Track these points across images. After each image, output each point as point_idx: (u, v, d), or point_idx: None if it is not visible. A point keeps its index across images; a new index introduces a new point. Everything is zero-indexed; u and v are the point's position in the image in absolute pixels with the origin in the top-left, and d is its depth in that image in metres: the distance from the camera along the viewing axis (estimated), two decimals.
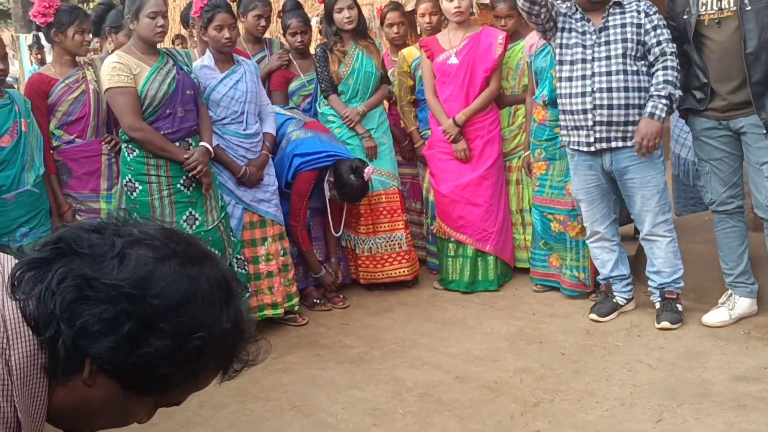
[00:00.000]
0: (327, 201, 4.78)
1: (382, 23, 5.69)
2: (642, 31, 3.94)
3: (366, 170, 4.62)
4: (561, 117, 4.18)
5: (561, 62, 4.09)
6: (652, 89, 3.91)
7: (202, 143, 4.03)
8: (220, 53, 4.34)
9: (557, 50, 4.11)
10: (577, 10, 4.08)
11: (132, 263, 1.11)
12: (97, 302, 1.08)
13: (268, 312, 4.46)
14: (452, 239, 5.02)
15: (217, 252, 3.99)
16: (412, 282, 5.19)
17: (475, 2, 7.40)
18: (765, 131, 3.75)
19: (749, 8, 3.65)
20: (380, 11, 5.83)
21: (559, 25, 4.08)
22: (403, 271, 5.09)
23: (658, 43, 3.92)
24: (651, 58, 3.93)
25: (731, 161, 3.96)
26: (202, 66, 4.32)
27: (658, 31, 3.93)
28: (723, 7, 3.74)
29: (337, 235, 4.97)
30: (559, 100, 4.15)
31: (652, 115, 3.88)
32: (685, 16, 3.86)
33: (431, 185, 5.13)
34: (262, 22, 5.09)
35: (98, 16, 5.16)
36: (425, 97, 5.05)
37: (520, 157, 5.03)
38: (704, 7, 3.80)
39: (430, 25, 5.26)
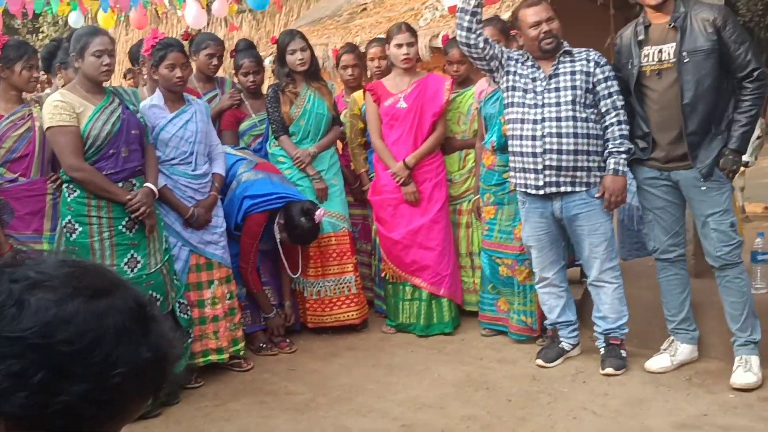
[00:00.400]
0: (278, 243, 4.73)
1: (337, 65, 5.72)
2: (591, 80, 4.01)
3: (317, 212, 4.60)
4: (511, 159, 4.21)
5: (511, 104, 4.14)
6: (611, 145, 3.98)
7: (146, 184, 3.95)
8: (171, 92, 4.30)
9: (506, 93, 4.16)
10: (528, 57, 4.13)
11: (33, 310, 1.05)
12: (2, 358, 1.03)
13: (213, 357, 4.37)
14: (408, 283, 5.00)
15: (159, 296, 3.92)
16: (360, 326, 5.14)
17: (428, 46, 7.53)
18: (702, 181, 3.81)
19: (687, 60, 3.73)
20: (336, 52, 5.86)
21: (509, 68, 4.13)
22: (352, 315, 5.05)
23: (609, 95, 3.99)
24: (602, 109, 4.00)
25: (673, 210, 4.01)
26: (152, 105, 4.27)
27: (609, 83, 4.00)
28: (663, 59, 3.83)
29: (295, 276, 4.91)
30: (510, 142, 4.19)
31: (616, 171, 3.98)
32: (629, 67, 3.94)
33: (379, 230, 5.11)
34: (214, 61, 5.08)
35: (48, 52, 5.11)
36: (371, 140, 5.07)
37: (470, 201, 5.04)
38: (646, 59, 3.89)
39: (380, 69, 5.31)
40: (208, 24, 11.60)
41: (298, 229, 4.59)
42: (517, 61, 4.15)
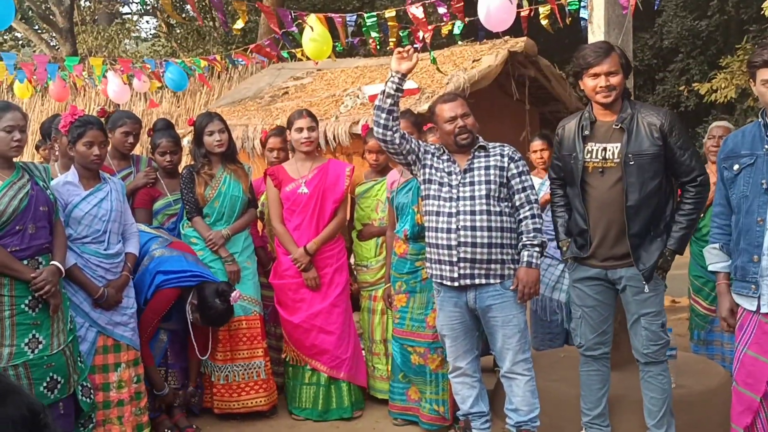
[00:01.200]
0: (189, 324, 4.60)
1: (263, 146, 5.72)
2: (505, 174, 4.05)
3: (233, 294, 4.51)
4: (427, 249, 4.22)
5: (427, 196, 4.16)
6: (524, 238, 4.01)
7: (53, 262, 3.83)
8: (87, 170, 4.24)
9: (423, 185, 4.20)
10: (444, 151, 4.19)
11: None
12: None
13: None
14: (308, 366, 4.94)
15: (60, 378, 3.76)
16: (269, 412, 5.02)
17: (347, 132, 7.62)
18: (644, 283, 3.84)
19: (632, 163, 3.76)
20: (265, 133, 5.87)
21: (426, 161, 4.18)
22: (260, 401, 4.93)
23: (523, 189, 4.05)
24: (516, 203, 4.04)
25: (603, 310, 4.03)
26: (66, 182, 4.19)
27: (523, 177, 4.06)
28: (607, 157, 3.83)
29: (203, 359, 4.79)
30: (426, 233, 4.20)
31: (530, 264, 3.98)
32: (571, 161, 3.94)
33: (280, 313, 5.06)
34: (130, 139, 5.04)
35: None
36: (272, 225, 5.06)
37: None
38: (589, 155, 3.88)
39: (278, 159, 5.43)
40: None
41: (212, 311, 4.49)
42: (433, 154, 4.20)
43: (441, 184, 4.11)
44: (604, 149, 3.83)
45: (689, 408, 4.25)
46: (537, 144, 5.76)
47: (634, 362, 4.04)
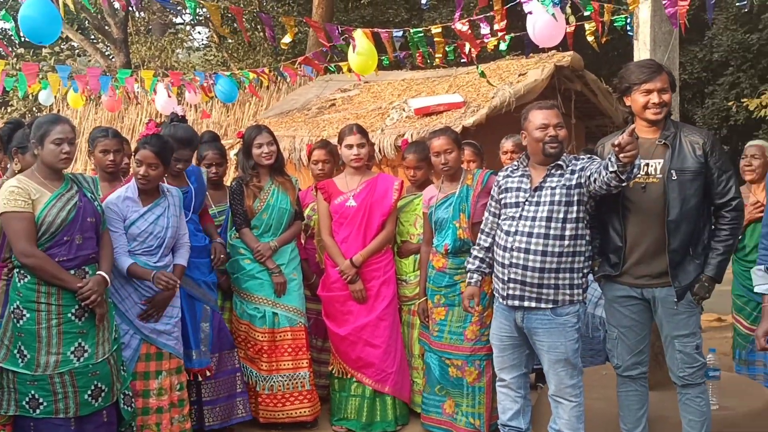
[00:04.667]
0: None
1: (308, 159, 5.78)
2: (573, 192, 3.93)
3: None
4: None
5: (504, 219, 4.14)
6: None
7: (99, 272, 3.92)
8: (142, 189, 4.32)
9: (501, 210, 4.18)
10: (518, 167, 4.16)
11: None
12: None
13: None
14: (353, 379, 4.97)
15: (104, 387, 3.86)
16: (311, 423, 5.07)
17: (393, 144, 7.67)
18: (676, 301, 3.81)
19: (675, 178, 3.75)
20: (309, 147, 5.94)
21: (502, 186, 4.18)
22: (305, 412, 4.98)
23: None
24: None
25: (639, 330, 3.99)
26: (126, 197, 4.28)
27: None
28: (650, 173, 3.81)
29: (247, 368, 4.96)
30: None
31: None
32: None
33: (328, 325, 5.10)
34: (110, 157, 4.58)
35: (5, 134, 5.02)
36: (321, 237, 5.11)
37: None
38: None
39: (323, 171, 5.49)
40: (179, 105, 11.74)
41: None
42: (508, 176, 4.18)
43: (510, 205, 4.09)
44: (647, 165, 3.80)
45: (731, 430, 4.19)
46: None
47: None
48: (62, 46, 22.76)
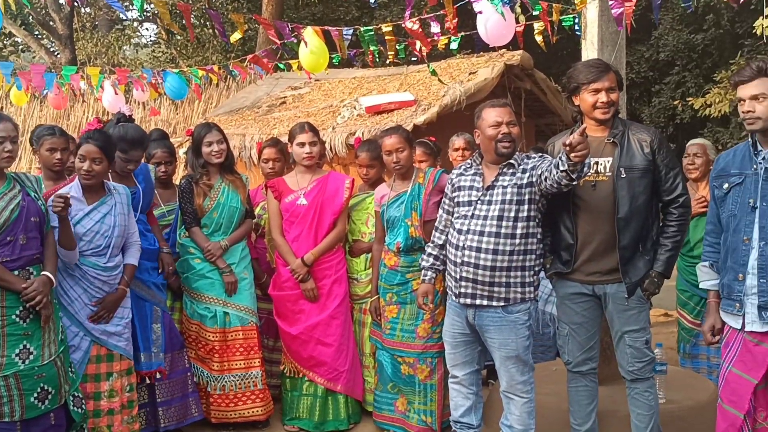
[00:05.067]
0: None
1: (258, 157, 5.74)
2: (524, 191, 3.96)
3: None
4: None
5: (457, 217, 4.15)
6: None
7: (44, 272, 3.84)
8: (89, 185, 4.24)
9: (455, 208, 4.20)
10: (472, 165, 4.18)
11: None
12: None
13: None
14: (305, 378, 4.96)
15: (51, 389, 3.78)
16: (264, 423, 5.04)
17: (344, 143, 7.65)
18: (627, 297, 3.86)
19: (624, 176, 3.80)
20: (260, 145, 5.90)
21: (455, 184, 4.19)
22: (257, 411, 4.96)
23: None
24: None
25: (590, 327, 4.04)
26: (70, 196, 4.18)
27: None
28: (599, 170, 3.86)
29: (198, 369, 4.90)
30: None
31: None
32: None
33: (279, 325, 5.08)
34: (57, 155, 4.57)
35: None
36: (272, 236, 5.08)
37: None
38: None
39: (273, 170, 5.48)
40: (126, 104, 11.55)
41: None
42: (461, 174, 4.20)
43: (463, 204, 4.11)
44: (597, 163, 3.85)
45: (678, 423, 4.27)
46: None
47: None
48: (5, 42, 22.30)
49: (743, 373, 3.41)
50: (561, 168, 3.57)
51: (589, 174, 3.80)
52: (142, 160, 4.85)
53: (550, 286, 5.44)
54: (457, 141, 5.76)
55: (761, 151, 3.44)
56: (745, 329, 3.41)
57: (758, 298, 3.37)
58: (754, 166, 3.43)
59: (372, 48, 6.63)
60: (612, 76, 3.87)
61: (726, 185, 3.53)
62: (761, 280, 3.36)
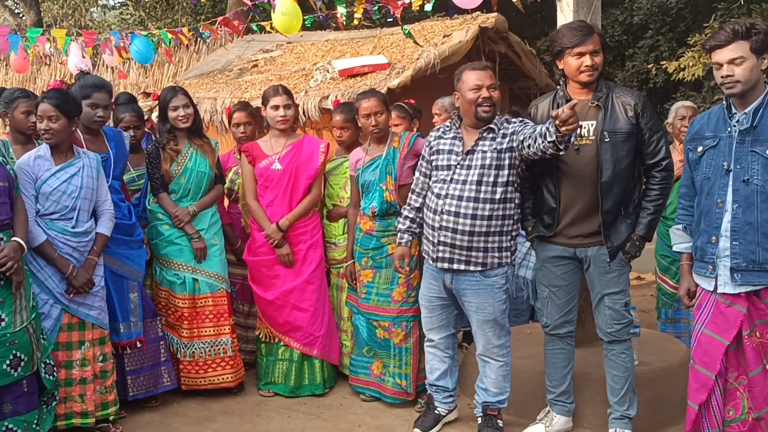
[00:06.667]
0: None
1: (229, 122, 5.65)
2: (504, 156, 3.95)
3: None
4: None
5: (435, 180, 4.13)
6: None
7: (14, 238, 3.77)
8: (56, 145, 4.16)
9: (433, 171, 4.16)
10: (451, 128, 4.15)
11: None
12: None
13: (76, 421, 4.22)
14: (281, 343, 4.94)
15: (23, 356, 3.72)
16: (236, 389, 5.02)
17: (317, 107, 7.56)
18: (608, 260, 3.88)
19: (608, 140, 3.79)
20: (228, 110, 5.81)
21: (434, 147, 4.16)
22: (227, 378, 4.93)
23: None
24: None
25: (569, 290, 4.06)
26: (37, 156, 4.12)
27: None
28: (582, 134, 3.85)
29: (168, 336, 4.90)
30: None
31: None
32: None
33: (254, 290, 5.04)
34: (32, 118, 4.54)
35: None
36: (246, 201, 5.02)
37: None
38: None
39: (245, 134, 5.42)
40: (94, 68, 11.34)
41: None
42: (439, 137, 4.17)
43: (442, 168, 4.08)
44: (580, 126, 3.82)
45: (651, 384, 4.32)
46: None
47: (599, 340, 4.09)
48: None
49: (715, 335, 3.44)
50: (549, 139, 3.55)
51: (573, 138, 3.77)
52: (110, 123, 4.74)
53: (524, 250, 5.45)
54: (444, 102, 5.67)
55: (735, 114, 3.43)
56: (718, 291, 3.43)
57: (731, 260, 3.39)
58: (729, 129, 3.43)
59: (340, 9, 6.52)
60: (596, 38, 3.84)
61: (700, 148, 3.53)
62: (734, 243, 3.37)
